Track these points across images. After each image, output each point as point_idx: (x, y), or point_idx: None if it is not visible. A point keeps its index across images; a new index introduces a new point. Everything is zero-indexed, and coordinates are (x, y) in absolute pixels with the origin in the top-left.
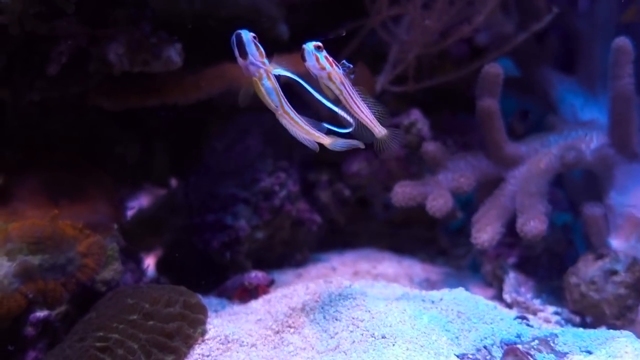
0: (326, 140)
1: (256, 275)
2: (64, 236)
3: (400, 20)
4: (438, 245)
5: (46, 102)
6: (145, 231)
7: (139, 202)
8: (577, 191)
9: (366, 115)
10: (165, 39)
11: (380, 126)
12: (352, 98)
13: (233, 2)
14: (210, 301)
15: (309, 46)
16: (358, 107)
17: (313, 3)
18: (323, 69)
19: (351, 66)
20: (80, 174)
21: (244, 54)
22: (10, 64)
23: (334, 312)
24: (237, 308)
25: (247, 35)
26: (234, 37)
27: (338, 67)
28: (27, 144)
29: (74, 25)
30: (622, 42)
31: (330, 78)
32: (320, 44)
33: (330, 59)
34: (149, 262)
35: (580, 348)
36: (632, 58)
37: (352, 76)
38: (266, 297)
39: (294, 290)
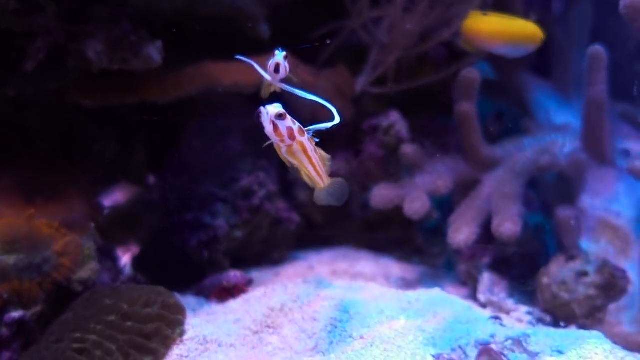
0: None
1: (235, 275)
2: (40, 235)
3: (381, 22)
4: (414, 244)
5: (22, 98)
6: (120, 228)
7: (115, 198)
8: (549, 192)
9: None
10: (146, 37)
11: None
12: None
13: (215, 1)
14: (188, 300)
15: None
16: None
17: (294, 2)
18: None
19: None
20: (57, 172)
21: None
22: None
23: (312, 312)
24: (216, 308)
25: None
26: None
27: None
28: (3, 141)
29: (52, 22)
30: (597, 50)
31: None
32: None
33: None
34: (126, 260)
35: (551, 348)
36: (606, 65)
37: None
38: (245, 296)
39: (273, 290)
